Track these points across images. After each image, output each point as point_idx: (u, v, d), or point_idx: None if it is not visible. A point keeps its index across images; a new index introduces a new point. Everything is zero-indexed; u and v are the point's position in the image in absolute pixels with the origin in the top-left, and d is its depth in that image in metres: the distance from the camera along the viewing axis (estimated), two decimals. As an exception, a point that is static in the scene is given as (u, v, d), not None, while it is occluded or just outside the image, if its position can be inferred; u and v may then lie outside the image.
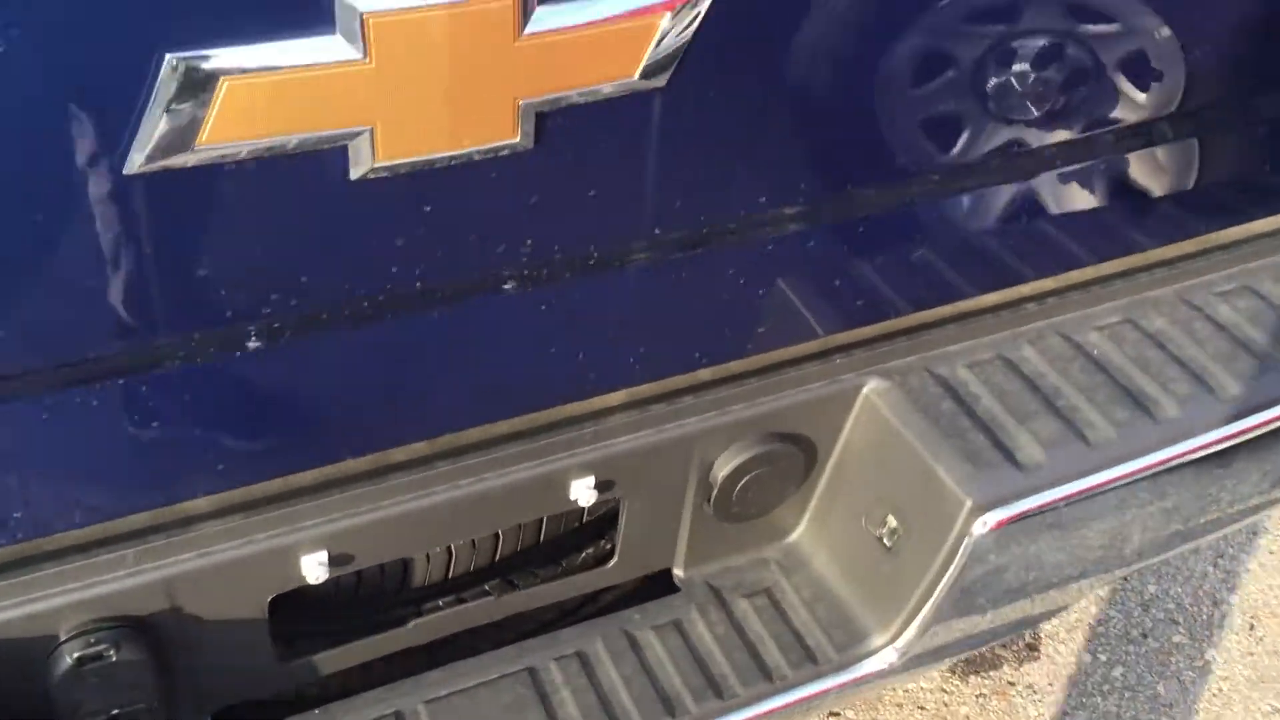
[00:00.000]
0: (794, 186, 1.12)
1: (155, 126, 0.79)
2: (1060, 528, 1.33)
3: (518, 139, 0.90)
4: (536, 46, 0.84)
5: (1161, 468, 1.36)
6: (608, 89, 0.90)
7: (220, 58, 0.78)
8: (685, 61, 0.92)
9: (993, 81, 1.22)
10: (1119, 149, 1.37)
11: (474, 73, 0.84)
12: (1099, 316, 1.42)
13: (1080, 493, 1.29)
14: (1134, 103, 1.33)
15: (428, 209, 0.94)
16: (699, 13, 0.90)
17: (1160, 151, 1.40)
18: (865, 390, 1.35)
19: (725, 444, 1.31)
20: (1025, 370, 1.38)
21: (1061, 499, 1.28)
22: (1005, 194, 1.34)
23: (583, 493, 1.26)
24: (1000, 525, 1.28)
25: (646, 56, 0.89)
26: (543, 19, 0.83)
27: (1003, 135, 1.27)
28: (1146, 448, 1.36)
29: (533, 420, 1.25)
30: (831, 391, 1.33)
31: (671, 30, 0.89)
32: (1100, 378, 1.39)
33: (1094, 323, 1.42)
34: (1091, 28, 1.25)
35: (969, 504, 1.25)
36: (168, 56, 0.76)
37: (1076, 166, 1.36)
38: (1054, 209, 1.38)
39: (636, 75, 0.90)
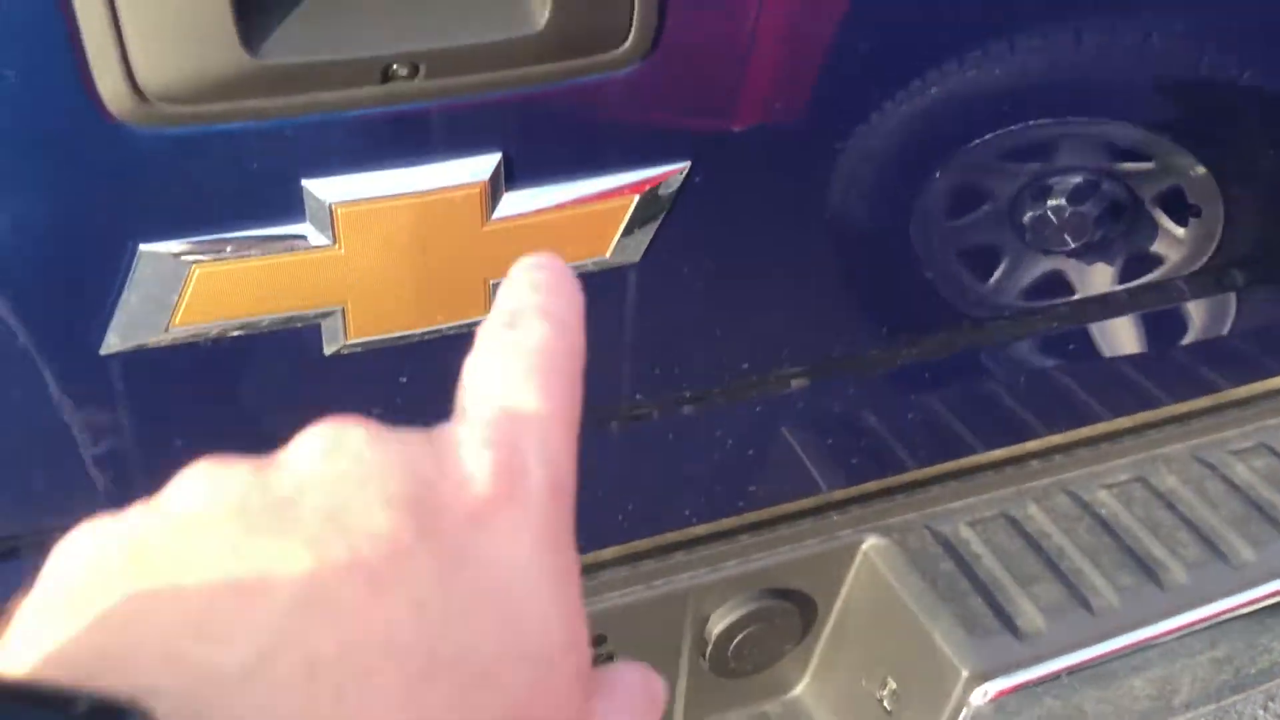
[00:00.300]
0: (779, 352, 1.13)
1: (129, 311, 0.82)
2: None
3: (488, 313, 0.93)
4: (506, 230, 0.87)
5: (1169, 637, 1.33)
6: (579, 264, 0.93)
7: (192, 248, 0.81)
8: (659, 238, 0.95)
9: (998, 238, 1.24)
10: (1133, 305, 1.37)
11: (443, 256, 0.87)
12: (1108, 474, 1.41)
13: (1083, 663, 1.26)
14: (1151, 260, 1.34)
15: (403, 380, 0.97)
16: (672, 191, 0.92)
17: (1176, 307, 1.40)
18: (864, 547, 1.34)
19: (720, 600, 1.31)
20: (1029, 529, 1.37)
21: (1063, 669, 1.26)
22: (1010, 351, 1.35)
23: (571, 649, 1.26)
24: (1000, 696, 1.25)
25: (618, 235, 0.92)
26: (511, 204, 0.86)
27: (1008, 295, 1.28)
28: (1152, 616, 1.33)
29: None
30: (828, 549, 1.33)
31: (643, 211, 0.91)
32: (1107, 539, 1.37)
33: (1102, 480, 1.40)
34: (1100, 182, 1.26)
35: (965, 674, 1.23)
36: (140, 247, 0.80)
37: (1085, 324, 1.36)
38: (1062, 364, 1.38)
39: (608, 254, 0.93)
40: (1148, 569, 1.35)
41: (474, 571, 0.28)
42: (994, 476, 1.39)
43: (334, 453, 0.29)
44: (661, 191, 0.91)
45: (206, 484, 0.29)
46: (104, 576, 0.28)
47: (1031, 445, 1.40)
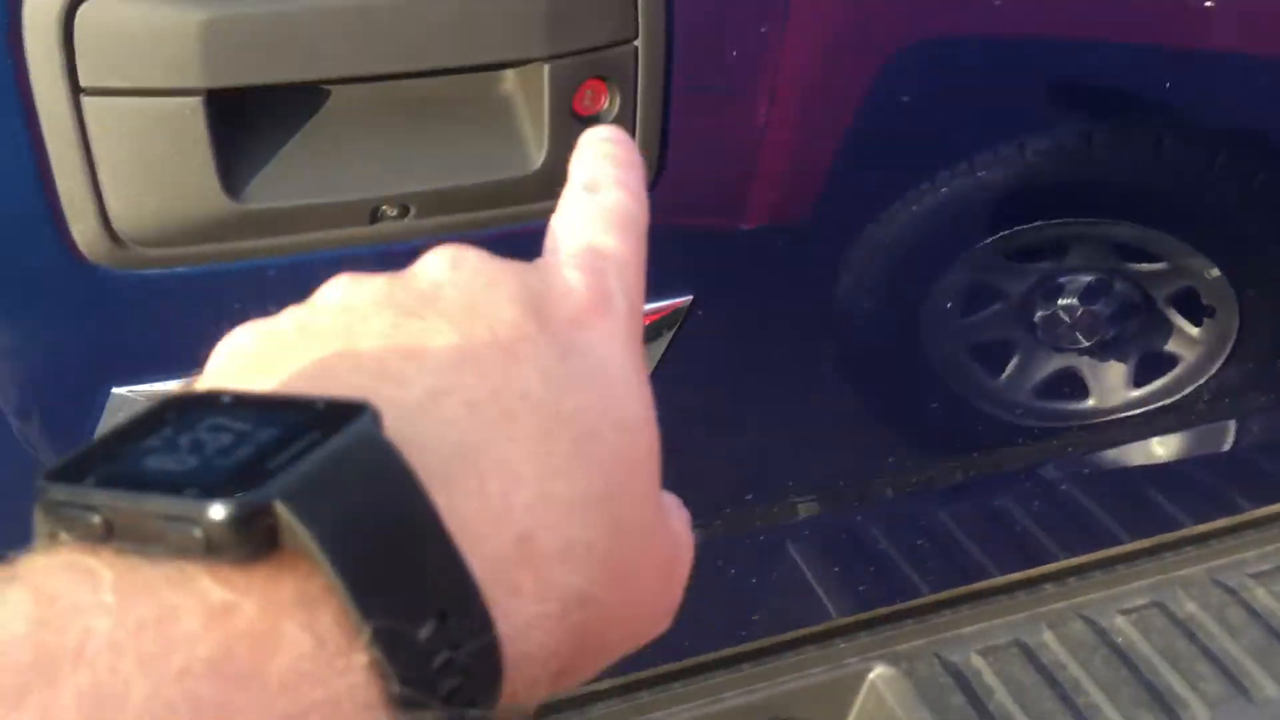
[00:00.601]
0: (784, 480, 1.10)
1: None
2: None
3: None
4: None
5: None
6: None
7: (161, 389, 0.78)
8: (659, 370, 0.92)
9: (1007, 364, 1.21)
10: (1150, 428, 1.34)
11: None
12: (1124, 598, 1.36)
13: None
14: (1166, 382, 1.31)
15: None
16: (674, 324, 0.89)
17: (1193, 428, 1.37)
18: (871, 677, 1.29)
19: (722, 733, 1.26)
20: (1044, 659, 1.32)
21: (1080, 815, 1.21)
22: (1023, 472, 1.31)
23: (565, 786, 1.21)
24: (1013, 841, 1.20)
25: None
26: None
27: (1021, 411, 1.25)
28: (1176, 760, 1.28)
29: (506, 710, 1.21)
30: (834, 678, 1.28)
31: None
32: (1124, 672, 1.32)
33: (1119, 605, 1.36)
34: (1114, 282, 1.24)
35: (977, 819, 1.18)
36: (113, 390, 0.77)
37: (1100, 446, 1.33)
38: (1076, 486, 1.35)
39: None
40: (1167, 706, 1.30)
41: (580, 358, 0.34)
42: (1007, 601, 1.34)
43: (459, 265, 0.35)
44: (662, 325, 0.88)
45: (354, 285, 0.35)
46: (280, 347, 0.33)
47: (1046, 568, 1.36)
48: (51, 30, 0.62)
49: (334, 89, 0.70)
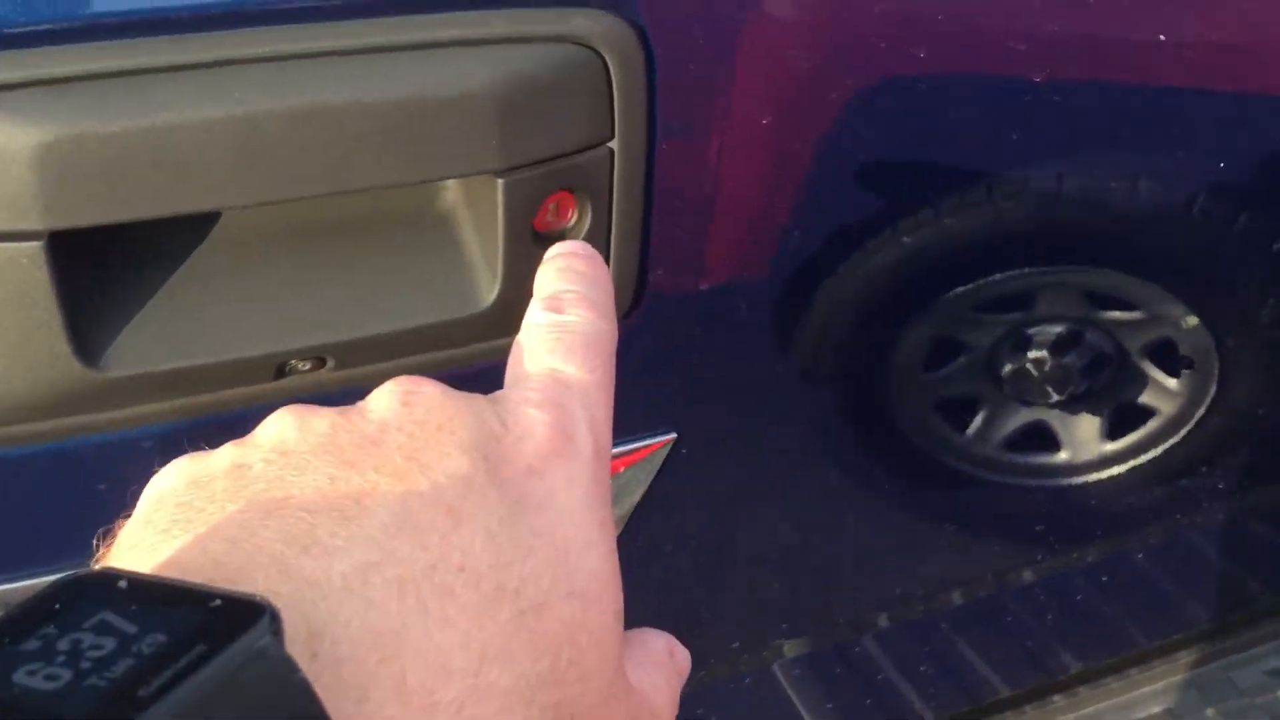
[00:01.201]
0: (773, 624, 0.97)
1: None
2: None
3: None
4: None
5: None
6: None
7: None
8: (639, 512, 0.78)
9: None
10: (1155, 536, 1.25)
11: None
12: (1137, 706, 1.26)
13: None
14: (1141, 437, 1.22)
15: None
16: (655, 464, 0.76)
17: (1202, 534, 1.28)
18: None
19: None
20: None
21: None
22: (1024, 589, 1.21)
23: None
24: None
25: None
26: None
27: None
28: None
29: None
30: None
31: (620, 487, 0.75)
32: None
33: (1132, 715, 1.26)
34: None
35: None
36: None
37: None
38: (1087, 599, 1.25)
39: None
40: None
41: (533, 514, 0.32)
42: (1014, 717, 1.23)
43: (411, 402, 0.33)
44: (643, 465, 0.75)
45: (297, 423, 0.33)
46: (208, 497, 0.31)
47: (1054, 679, 1.25)
48: None
49: (222, 214, 0.55)
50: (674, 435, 0.73)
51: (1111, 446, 1.24)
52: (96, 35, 0.48)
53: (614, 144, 0.58)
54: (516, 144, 0.55)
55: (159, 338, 0.55)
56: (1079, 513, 1.23)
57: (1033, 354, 1.13)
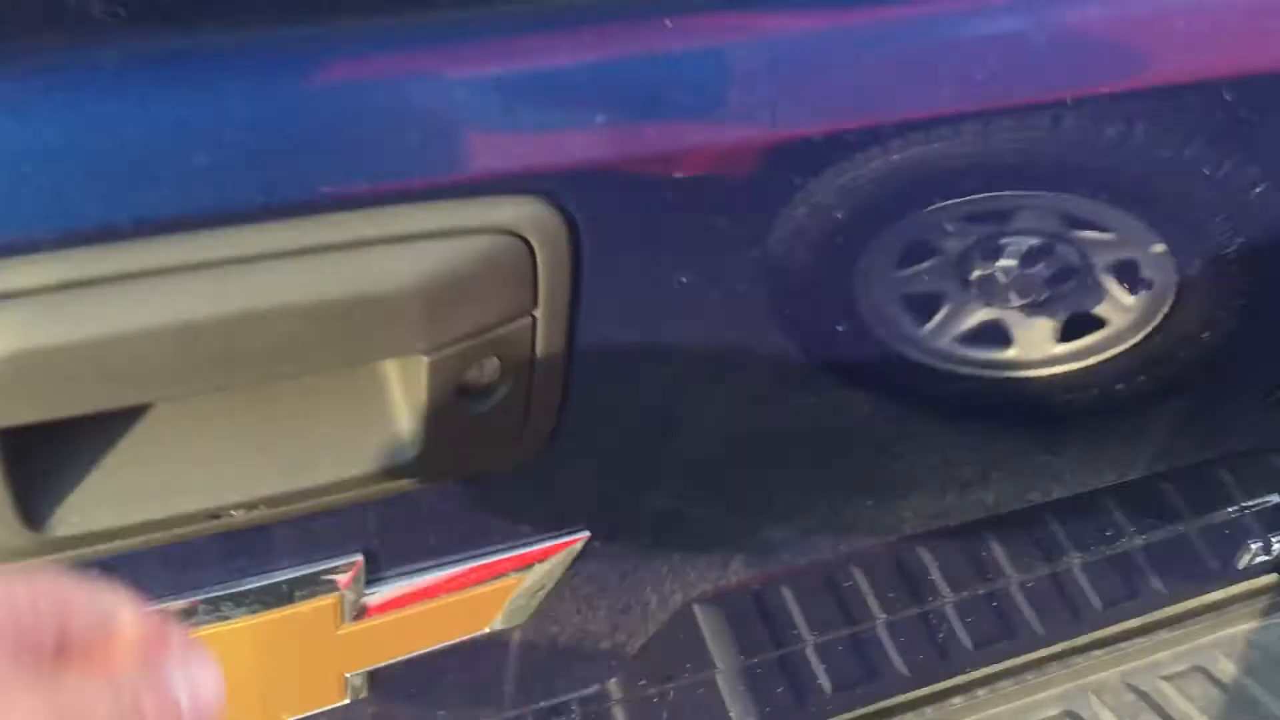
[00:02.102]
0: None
1: None
2: None
3: (346, 699, 0.83)
4: (368, 629, 0.78)
5: None
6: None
7: None
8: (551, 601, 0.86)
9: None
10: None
11: (293, 663, 0.77)
12: (1035, 709, 1.38)
13: None
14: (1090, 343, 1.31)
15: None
16: (569, 558, 0.83)
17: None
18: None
19: None
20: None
21: None
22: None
23: None
24: None
25: (504, 608, 0.83)
26: (377, 598, 0.77)
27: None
28: None
29: None
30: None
31: (535, 582, 0.83)
32: (1033, 787, 1.34)
33: (1030, 717, 1.37)
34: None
35: None
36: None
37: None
38: (981, 592, 1.35)
39: (490, 628, 0.84)
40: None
41: None
42: (913, 716, 1.35)
43: None
44: (555, 560, 0.82)
45: None
46: None
47: (952, 681, 1.36)
48: None
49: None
50: (587, 533, 0.80)
51: (1061, 349, 1.33)
52: (38, 248, 0.53)
53: (537, 312, 0.64)
54: (443, 327, 0.61)
55: (101, 499, 0.61)
56: (1018, 404, 1.31)
57: (1003, 262, 1.20)
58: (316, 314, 0.57)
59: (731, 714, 1.23)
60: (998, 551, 1.38)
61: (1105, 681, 1.41)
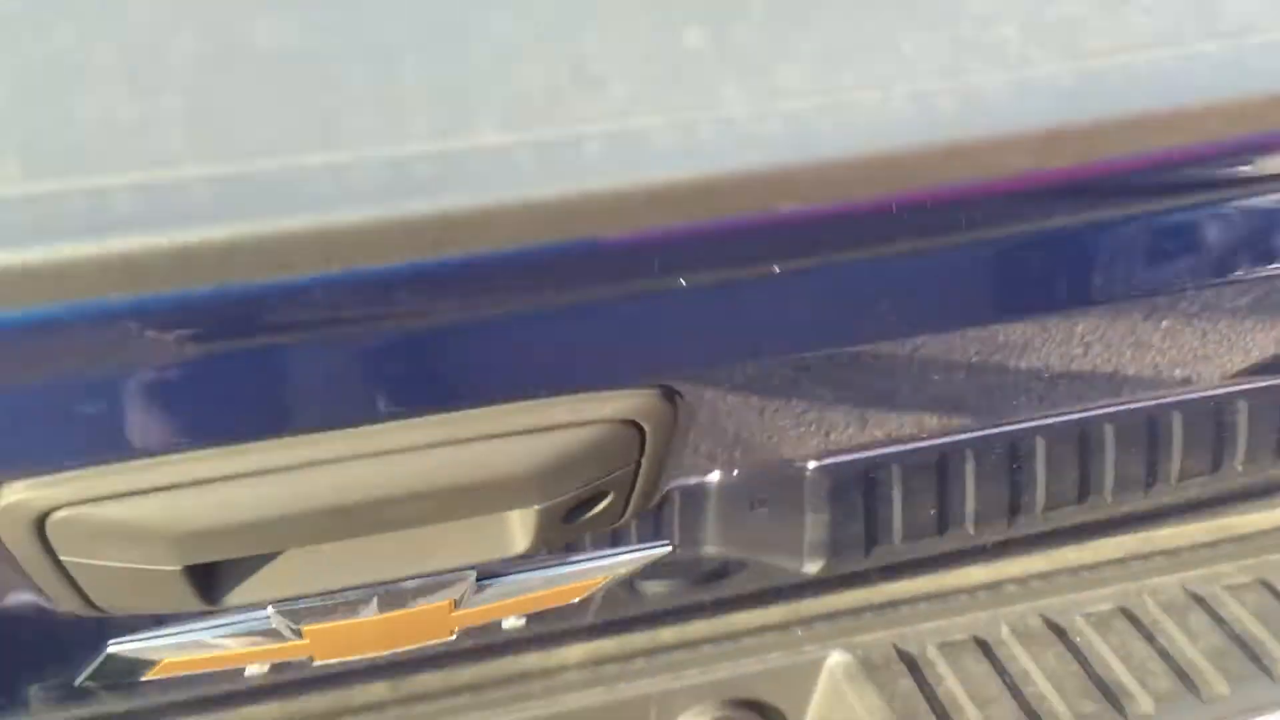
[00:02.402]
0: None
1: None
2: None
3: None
4: (474, 612, 0.93)
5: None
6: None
7: (156, 647, 0.88)
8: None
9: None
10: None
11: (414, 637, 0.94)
12: (1088, 603, 1.51)
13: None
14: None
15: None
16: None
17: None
18: (828, 664, 1.47)
19: (683, 707, 1.45)
20: (998, 653, 1.49)
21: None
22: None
23: (533, 745, 1.41)
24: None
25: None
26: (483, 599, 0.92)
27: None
28: (1109, 749, 1.48)
29: (483, 673, 1.39)
30: (791, 663, 1.45)
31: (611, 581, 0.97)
32: (1075, 666, 1.49)
33: (1082, 609, 1.51)
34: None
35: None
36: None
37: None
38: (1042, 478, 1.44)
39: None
40: (1113, 698, 1.49)
41: None
42: (967, 600, 1.49)
43: None
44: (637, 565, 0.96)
45: None
46: None
47: (1010, 569, 1.49)
48: None
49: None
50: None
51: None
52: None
53: (642, 460, 0.74)
54: (555, 490, 0.71)
55: (265, 579, 0.76)
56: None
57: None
58: (451, 494, 0.69)
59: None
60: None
61: (1162, 585, 1.53)
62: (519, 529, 0.79)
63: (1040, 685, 1.48)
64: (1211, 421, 1.46)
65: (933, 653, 1.50)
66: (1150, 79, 0.64)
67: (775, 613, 1.44)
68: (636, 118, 0.60)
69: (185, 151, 0.56)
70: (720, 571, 1.34)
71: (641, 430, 0.73)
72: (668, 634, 1.43)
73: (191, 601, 0.75)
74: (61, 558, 0.68)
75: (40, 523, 0.67)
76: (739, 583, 1.38)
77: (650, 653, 1.44)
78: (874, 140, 0.62)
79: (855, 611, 1.47)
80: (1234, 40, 0.68)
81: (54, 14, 0.56)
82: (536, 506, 0.74)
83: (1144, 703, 1.48)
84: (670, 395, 0.73)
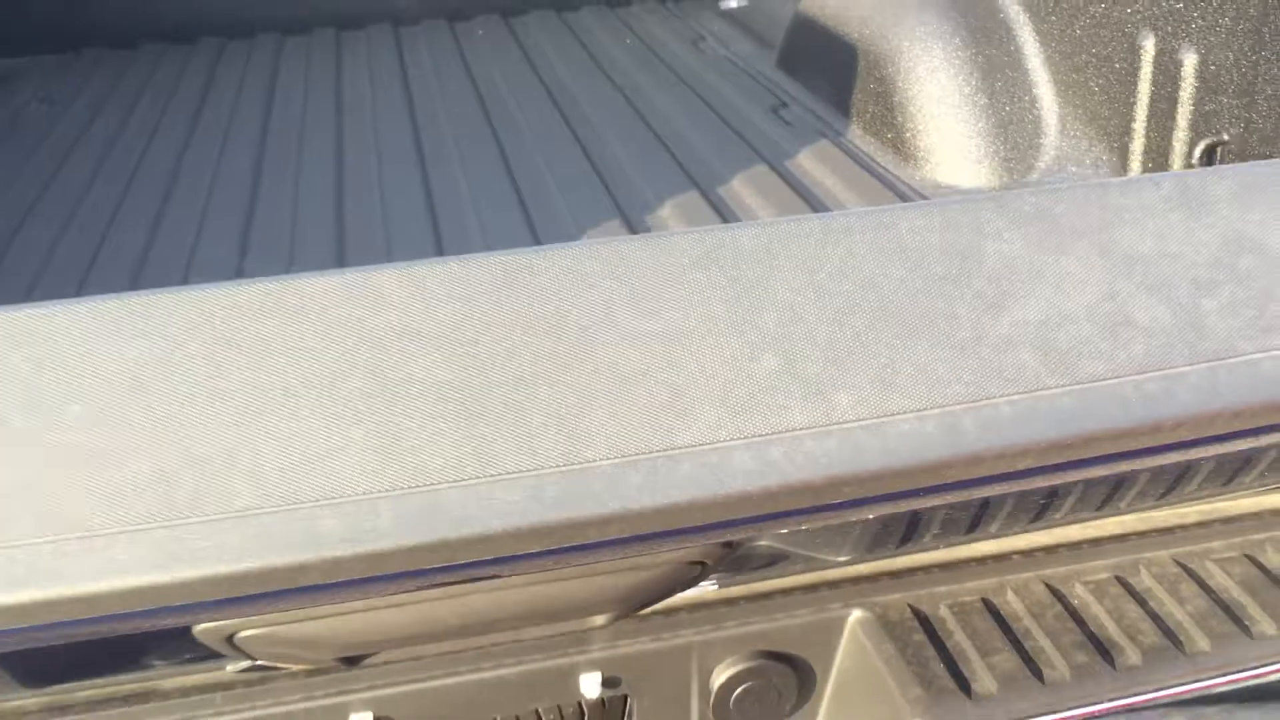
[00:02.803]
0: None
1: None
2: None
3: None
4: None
5: (1116, 714, 1.71)
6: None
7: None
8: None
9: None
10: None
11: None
12: (1087, 573, 1.73)
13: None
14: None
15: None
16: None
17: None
18: (850, 620, 1.72)
19: (719, 657, 1.72)
20: (1003, 612, 1.73)
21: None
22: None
23: (590, 686, 1.71)
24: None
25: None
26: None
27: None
28: (1099, 693, 1.71)
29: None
30: (818, 619, 1.71)
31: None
32: (1071, 624, 1.72)
33: (1082, 578, 1.73)
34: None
35: (919, 730, 1.65)
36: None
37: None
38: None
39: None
40: (1104, 651, 1.71)
41: None
42: (977, 568, 1.72)
43: None
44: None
45: None
46: None
47: (1017, 543, 1.71)
48: None
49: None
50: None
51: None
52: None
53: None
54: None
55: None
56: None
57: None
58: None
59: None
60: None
61: (1156, 558, 1.74)
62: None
63: (1040, 640, 1.71)
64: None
65: (944, 611, 1.74)
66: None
67: (805, 577, 1.70)
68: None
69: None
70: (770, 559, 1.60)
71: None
72: (709, 592, 1.70)
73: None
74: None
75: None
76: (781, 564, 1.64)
77: (693, 608, 1.71)
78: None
79: (875, 577, 1.72)
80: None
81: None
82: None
83: (1132, 655, 1.70)
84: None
